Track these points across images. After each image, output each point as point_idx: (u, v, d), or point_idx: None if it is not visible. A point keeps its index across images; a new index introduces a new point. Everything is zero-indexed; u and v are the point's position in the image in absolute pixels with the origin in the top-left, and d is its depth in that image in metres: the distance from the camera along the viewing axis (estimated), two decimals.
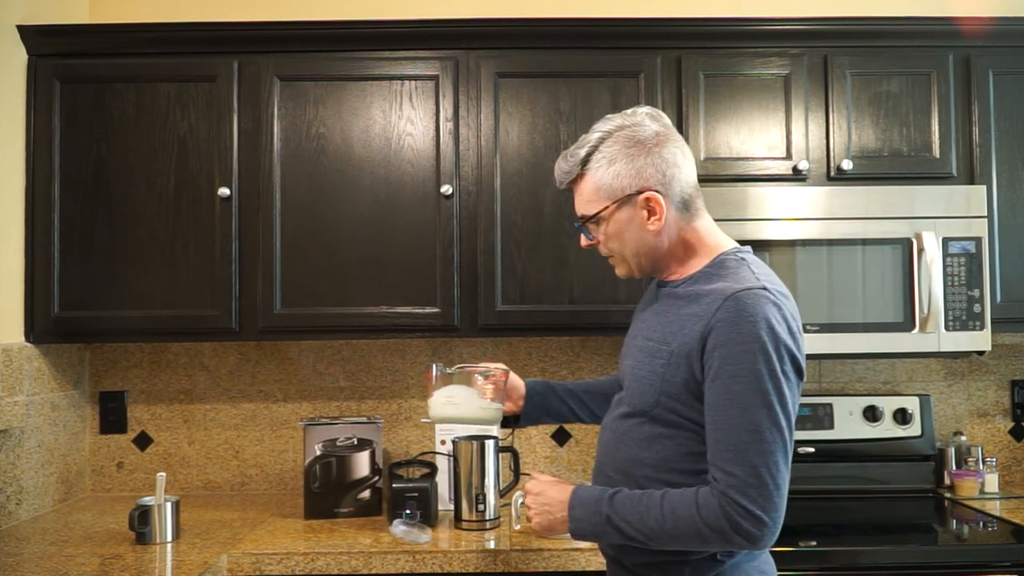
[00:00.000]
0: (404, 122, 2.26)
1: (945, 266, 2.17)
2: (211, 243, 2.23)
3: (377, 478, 2.26)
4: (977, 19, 2.29)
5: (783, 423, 1.28)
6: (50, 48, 2.25)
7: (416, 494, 2.10)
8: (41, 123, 2.24)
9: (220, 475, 2.57)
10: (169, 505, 1.96)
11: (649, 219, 1.43)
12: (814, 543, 1.96)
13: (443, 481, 2.24)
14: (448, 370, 1.70)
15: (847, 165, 2.25)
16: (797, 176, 2.27)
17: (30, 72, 2.25)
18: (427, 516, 2.09)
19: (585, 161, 1.46)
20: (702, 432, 1.34)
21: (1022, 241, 2.27)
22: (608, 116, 1.48)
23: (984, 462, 2.44)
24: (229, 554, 1.87)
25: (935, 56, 2.28)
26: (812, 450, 2.44)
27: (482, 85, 2.25)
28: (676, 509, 1.31)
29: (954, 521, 2.22)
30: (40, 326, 2.23)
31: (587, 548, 1.87)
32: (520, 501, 1.98)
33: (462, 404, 1.66)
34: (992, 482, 2.41)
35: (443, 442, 2.27)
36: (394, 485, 2.11)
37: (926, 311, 2.15)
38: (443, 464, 2.26)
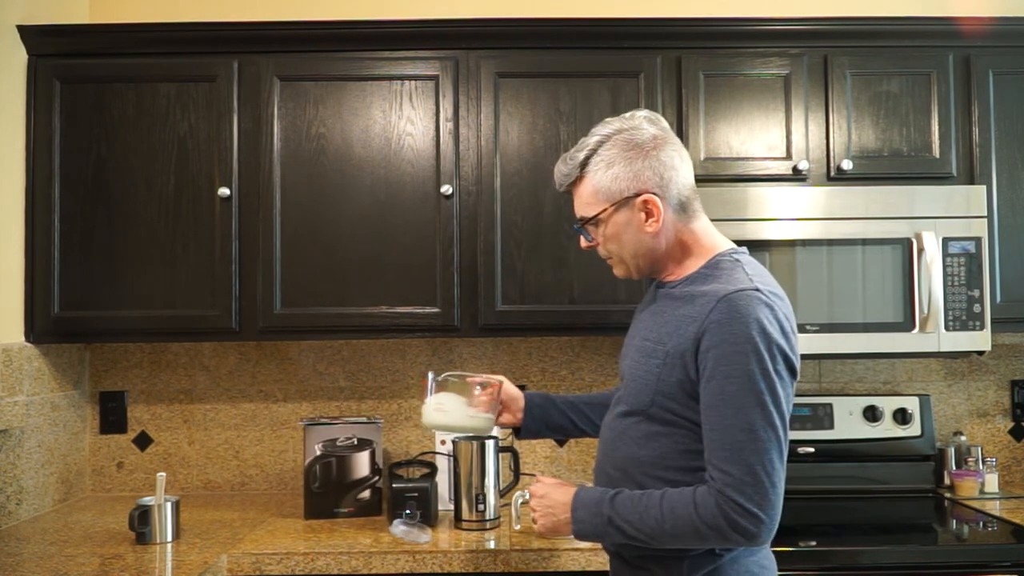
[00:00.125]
0: (404, 122, 2.26)
1: (945, 266, 2.17)
2: (211, 243, 2.23)
3: (377, 478, 2.26)
4: (977, 19, 2.29)
5: (777, 422, 1.30)
6: (50, 48, 2.26)
7: (416, 494, 2.10)
8: (41, 123, 2.25)
9: (220, 475, 2.57)
10: (169, 505, 1.97)
11: (647, 221, 1.44)
12: (814, 543, 1.96)
13: (443, 481, 2.24)
14: (439, 377, 1.70)
15: (847, 165, 2.25)
16: (797, 176, 2.27)
17: (30, 72, 2.25)
18: (427, 516, 2.10)
19: (583, 164, 1.47)
20: (698, 430, 1.35)
21: (1022, 241, 2.27)
22: (606, 120, 1.50)
23: (984, 462, 2.44)
24: (229, 554, 1.87)
25: (935, 56, 2.28)
26: (812, 450, 2.44)
27: (482, 85, 2.25)
28: (675, 508, 1.32)
29: (954, 521, 2.23)
30: (40, 326, 2.24)
31: (587, 548, 1.87)
32: (520, 501, 1.98)
33: (450, 412, 1.67)
34: (992, 482, 2.41)
35: (443, 442, 2.28)
36: (394, 485, 2.11)
37: (926, 311, 2.15)
38: (443, 464, 2.26)
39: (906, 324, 2.17)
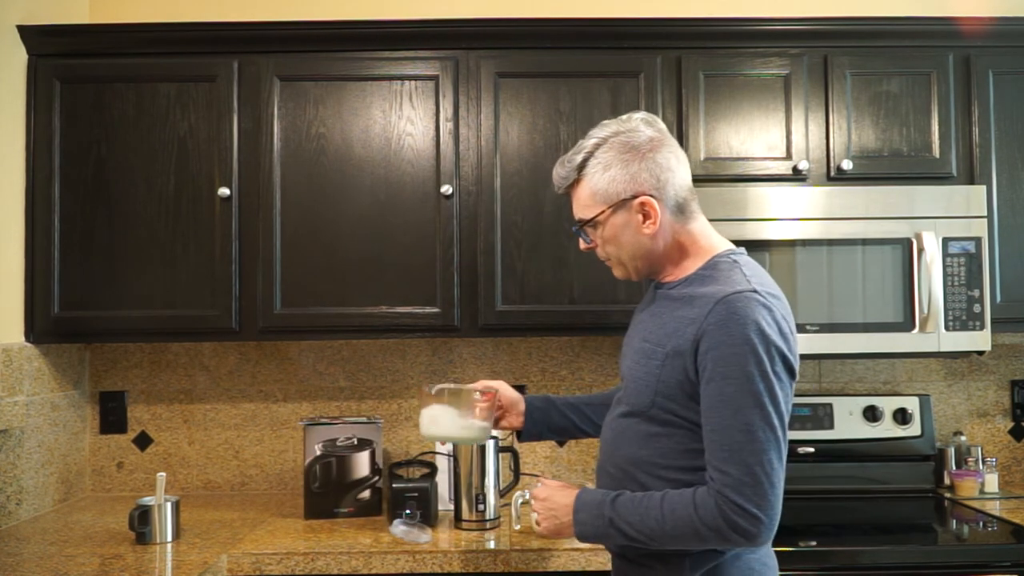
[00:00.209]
0: (404, 122, 2.26)
1: (945, 266, 2.17)
2: (211, 243, 2.24)
3: (377, 478, 2.26)
4: (977, 19, 2.29)
5: (776, 422, 1.30)
6: (50, 48, 2.26)
7: (416, 494, 2.10)
8: (41, 123, 2.25)
9: (220, 475, 2.57)
10: (169, 505, 1.97)
11: (644, 223, 1.45)
12: (814, 543, 1.96)
13: (443, 481, 2.24)
14: (432, 390, 1.70)
15: (847, 165, 2.25)
16: (797, 176, 2.27)
17: (30, 72, 2.25)
18: (427, 516, 2.10)
19: (581, 167, 1.48)
20: (698, 430, 1.36)
21: (1022, 241, 2.27)
22: (604, 122, 1.51)
23: (984, 462, 2.44)
24: (229, 554, 1.87)
25: (935, 56, 2.28)
26: (812, 450, 2.44)
27: (482, 85, 2.25)
28: (675, 509, 1.33)
29: (954, 521, 2.23)
30: (40, 326, 2.24)
31: (587, 548, 1.87)
32: (520, 501, 1.99)
33: (442, 424, 1.67)
34: (992, 482, 2.41)
35: (443, 442, 2.27)
36: (394, 485, 2.12)
37: (926, 311, 2.15)
38: (443, 464, 2.26)
39: (906, 324, 2.17)
